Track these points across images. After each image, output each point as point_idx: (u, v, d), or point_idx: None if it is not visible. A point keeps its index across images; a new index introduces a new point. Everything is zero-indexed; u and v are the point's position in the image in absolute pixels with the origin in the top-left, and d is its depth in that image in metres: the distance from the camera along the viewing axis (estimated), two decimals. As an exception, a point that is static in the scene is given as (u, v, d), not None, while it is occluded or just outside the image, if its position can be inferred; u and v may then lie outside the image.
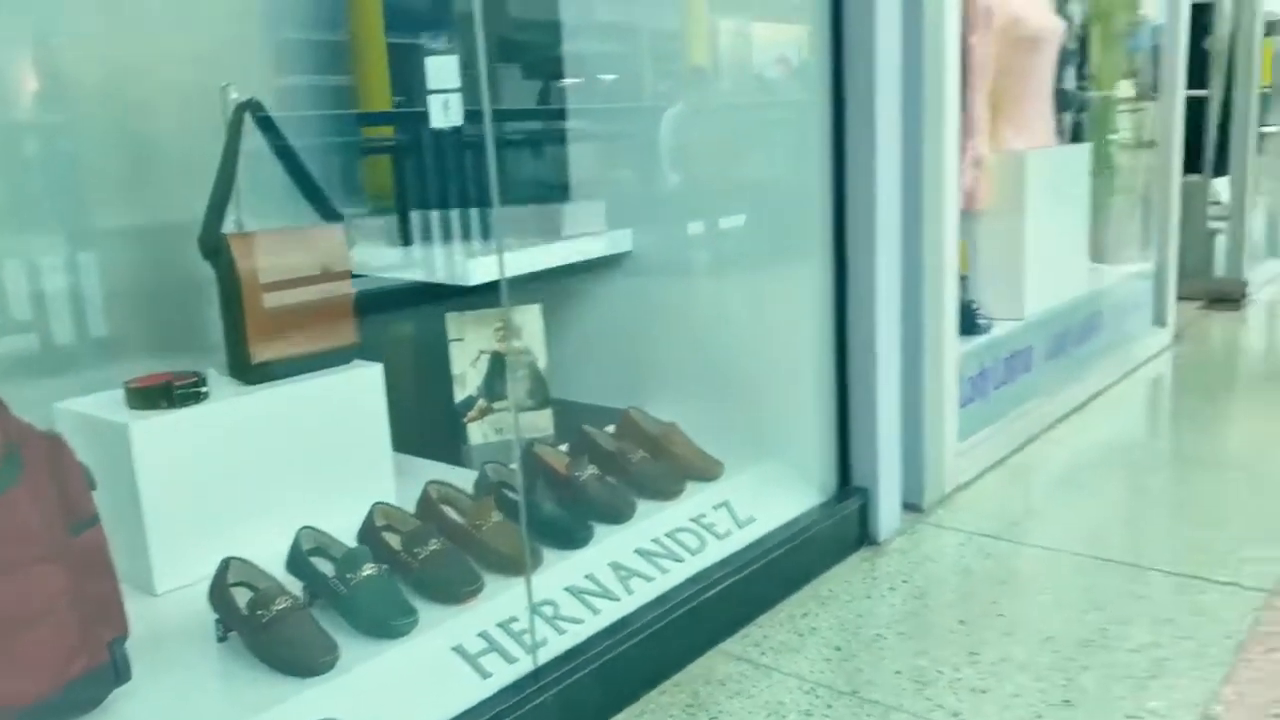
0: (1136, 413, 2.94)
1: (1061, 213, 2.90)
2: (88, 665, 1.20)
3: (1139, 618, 1.69)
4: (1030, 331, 2.69)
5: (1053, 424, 2.71)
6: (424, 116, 2.02)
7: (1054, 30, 2.76)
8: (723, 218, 2.52)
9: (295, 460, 1.71)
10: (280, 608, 1.35)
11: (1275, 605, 1.70)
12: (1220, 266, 4.45)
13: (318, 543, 1.55)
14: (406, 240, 2.07)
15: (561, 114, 2.51)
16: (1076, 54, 3.21)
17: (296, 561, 1.52)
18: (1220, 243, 4.47)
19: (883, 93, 1.98)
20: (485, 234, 2.10)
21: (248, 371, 1.71)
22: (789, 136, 2.14)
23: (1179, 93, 3.50)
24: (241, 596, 1.40)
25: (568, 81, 2.47)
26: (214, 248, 1.69)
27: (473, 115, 1.96)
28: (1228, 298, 4.33)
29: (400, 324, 2.26)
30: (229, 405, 1.65)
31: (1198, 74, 4.47)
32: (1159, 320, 3.54)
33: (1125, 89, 3.64)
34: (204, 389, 1.63)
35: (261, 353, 1.72)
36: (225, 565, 1.44)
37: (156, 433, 1.54)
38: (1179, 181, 3.56)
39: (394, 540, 1.59)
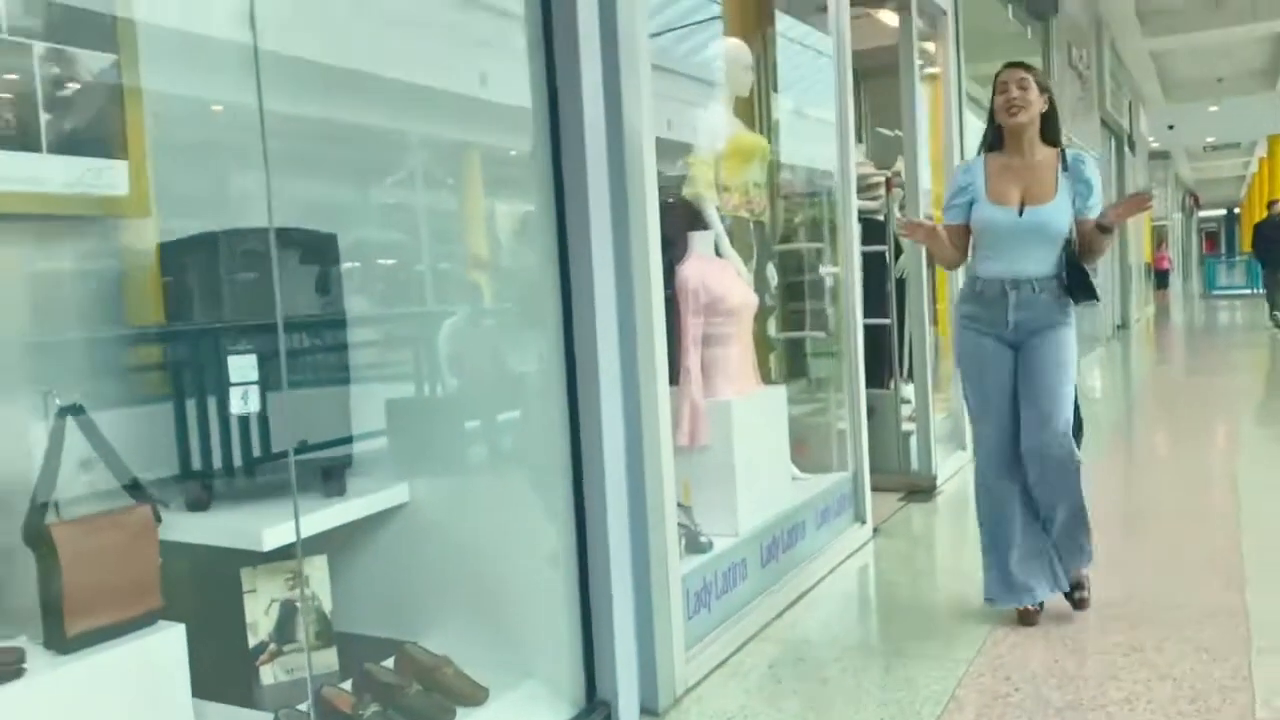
0: (837, 608, 3.53)
1: (765, 443, 3.54)
2: None
3: (814, 796, 2.16)
4: (744, 545, 3.25)
5: (768, 623, 3.24)
6: (206, 334, 2.34)
7: (750, 304, 3.46)
8: (485, 446, 2.97)
9: (104, 713, 1.95)
10: None
11: (910, 776, 2.22)
12: (915, 461, 5.29)
13: (131, 799, 1.79)
14: (205, 505, 2.37)
15: (344, 347, 2.82)
16: (778, 309, 3.95)
17: (112, 818, 1.76)
18: (914, 441, 5.32)
19: (604, 356, 2.51)
20: (278, 490, 2.43)
21: (63, 643, 1.95)
22: (539, 380, 2.62)
23: (858, 323, 4.26)
24: None
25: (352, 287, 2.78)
26: (37, 537, 1.95)
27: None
28: (921, 489, 5.15)
29: (201, 575, 2.51)
30: (47, 678, 1.89)
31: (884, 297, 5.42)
32: (859, 518, 4.22)
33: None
34: (25, 664, 1.87)
35: (76, 626, 1.97)
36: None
37: (-16, 710, 1.77)
38: (863, 397, 4.30)
39: (200, 790, 1.85)
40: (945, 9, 5.42)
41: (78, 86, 2.18)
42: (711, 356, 3.31)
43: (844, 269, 4.23)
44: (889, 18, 5.17)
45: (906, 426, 5.33)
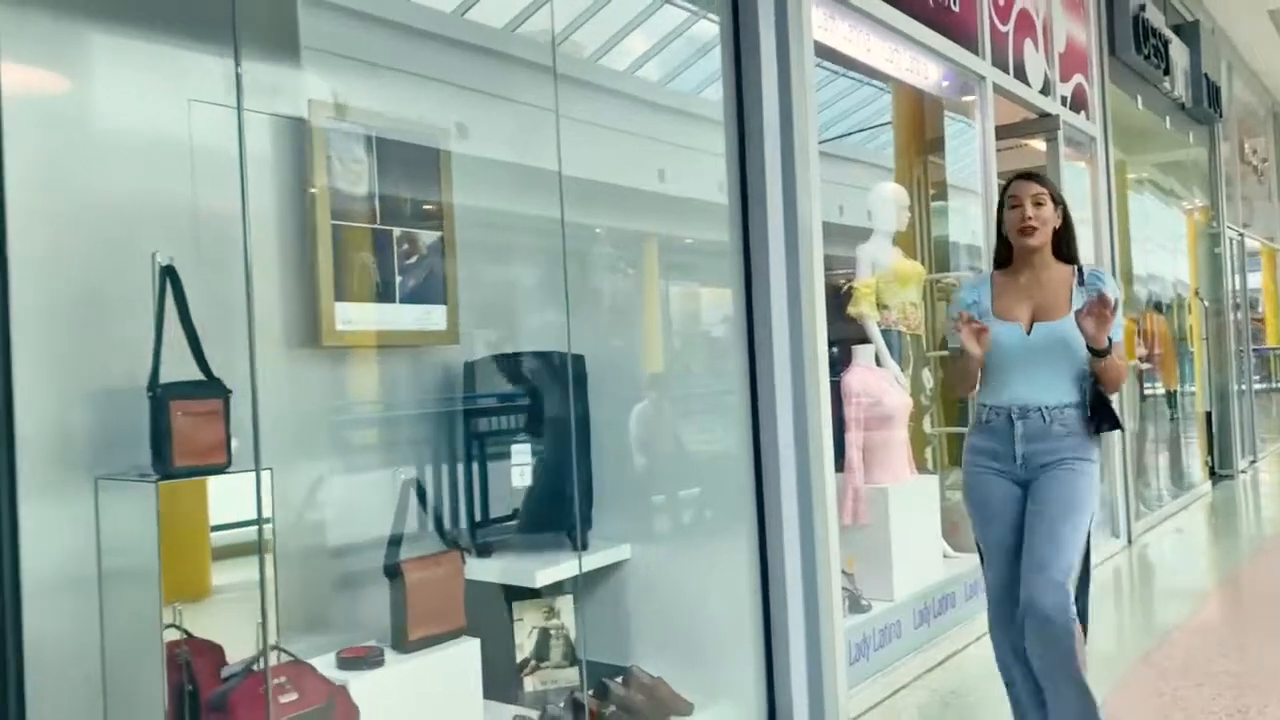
0: (982, 669, 4.05)
1: (918, 524, 4.17)
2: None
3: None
4: (899, 609, 3.88)
5: (919, 675, 3.84)
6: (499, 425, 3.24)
7: (905, 405, 4.13)
8: (688, 516, 3.73)
9: (427, 699, 2.79)
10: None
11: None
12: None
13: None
14: (489, 553, 3.24)
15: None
16: (933, 407, 4.60)
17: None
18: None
19: (783, 445, 3.25)
20: (538, 546, 3.27)
21: (405, 645, 2.81)
22: (732, 463, 3.38)
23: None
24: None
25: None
26: (394, 570, 2.84)
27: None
28: (1072, 571, 5.56)
29: (485, 605, 3.36)
30: (397, 668, 2.75)
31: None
32: (1007, 593, 4.74)
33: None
34: (384, 658, 2.74)
35: (415, 633, 2.83)
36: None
37: (362, 686, 2.63)
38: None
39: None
40: (1094, 134, 5.97)
41: (419, 256, 3.13)
42: (871, 449, 3.99)
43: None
44: (1040, 144, 5.76)
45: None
